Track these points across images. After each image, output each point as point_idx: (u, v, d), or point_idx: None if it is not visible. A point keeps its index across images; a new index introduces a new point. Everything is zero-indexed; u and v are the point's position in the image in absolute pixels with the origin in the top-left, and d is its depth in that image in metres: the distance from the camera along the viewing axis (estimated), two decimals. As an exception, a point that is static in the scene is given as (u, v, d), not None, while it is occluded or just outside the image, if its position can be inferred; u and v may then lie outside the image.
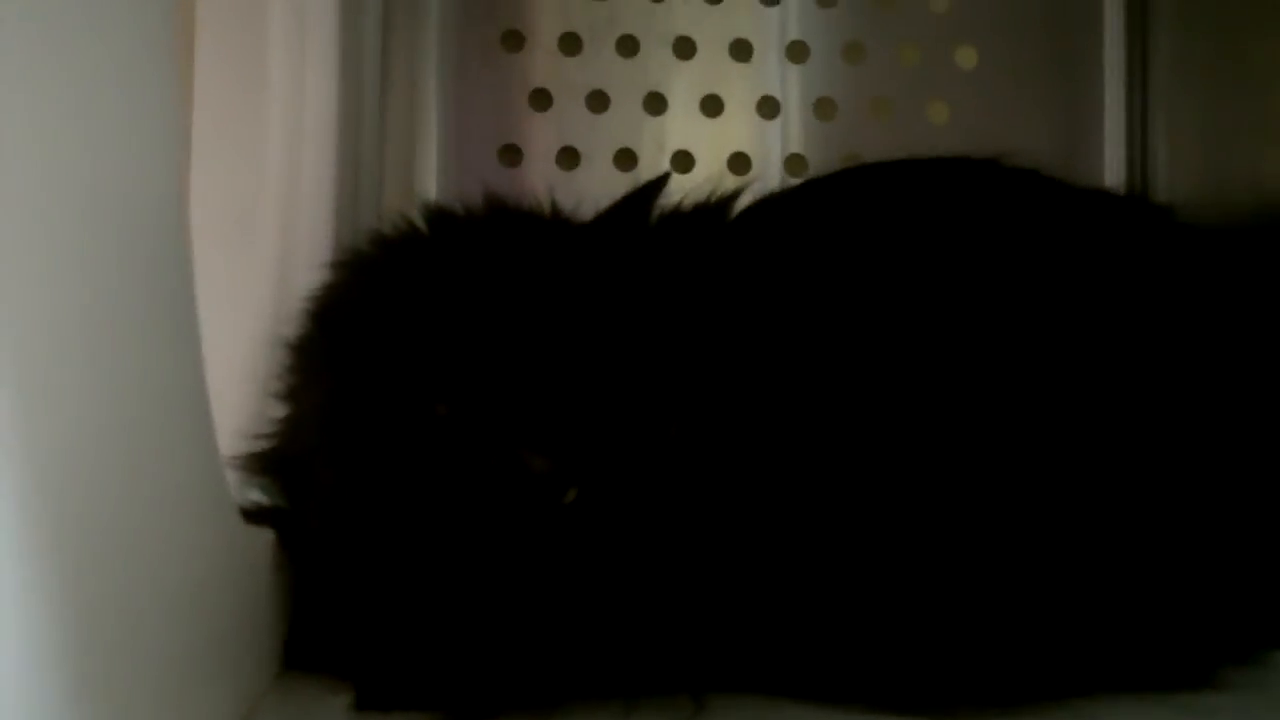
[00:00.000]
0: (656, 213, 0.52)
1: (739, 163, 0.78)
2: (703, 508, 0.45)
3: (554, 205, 0.51)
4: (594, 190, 0.55)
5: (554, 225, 0.51)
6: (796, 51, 0.78)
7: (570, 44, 0.77)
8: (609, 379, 0.45)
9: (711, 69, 0.78)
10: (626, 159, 0.77)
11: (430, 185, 0.75)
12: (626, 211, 0.51)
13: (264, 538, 0.45)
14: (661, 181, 0.51)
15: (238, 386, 0.54)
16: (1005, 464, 0.45)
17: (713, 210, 0.54)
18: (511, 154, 0.76)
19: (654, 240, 0.52)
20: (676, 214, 0.53)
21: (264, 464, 0.49)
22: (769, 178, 0.75)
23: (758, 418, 0.46)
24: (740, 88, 0.78)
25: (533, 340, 0.45)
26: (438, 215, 0.51)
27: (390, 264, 0.49)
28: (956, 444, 0.45)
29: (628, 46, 0.77)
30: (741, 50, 0.78)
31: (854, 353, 0.47)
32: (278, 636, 0.46)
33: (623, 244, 0.50)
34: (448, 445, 0.44)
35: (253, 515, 0.46)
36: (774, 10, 0.78)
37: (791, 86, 0.78)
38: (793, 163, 0.78)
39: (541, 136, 0.76)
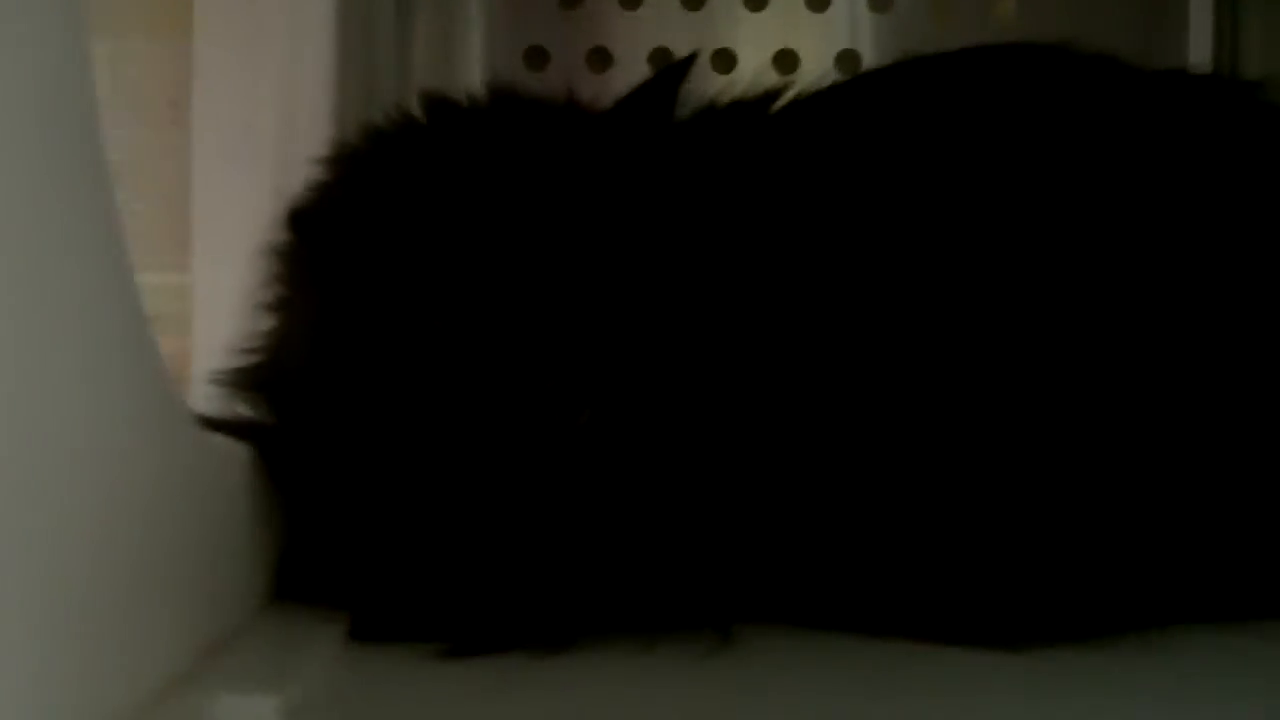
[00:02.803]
0: (690, 108, 0.48)
1: (786, 60, 0.71)
2: (725, 426, 0.41)
3: (569, 95, 0.47)
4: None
5: (566, 116, 0.46)
6: (848, -62, 0.72)
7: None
8: (623, 289, 0.41)
9: (755, -41, 0.72)
10: (661, 60, 0.71)
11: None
12: (647, 100, 0.46)
13: (234, 454, 0.41)
14: (684, 65, 0.46)
15: (233, 299, 0.50)
16: (1077, 375, 0.41)
17: (751, 106, 0.49)
18: (538, 56, 0.71)
19: (681, 134, 0.47)
20: (711, 110, 0.48)
21: (251, 379, 0.45)
22: (818, 77, 0.69)
23: (787, 327, 0.42)
24: (786, -21, 0.72)
25: (540, 247, 0.41)
26: (437, 104, 0.46)
27: (382, 159, 0.45)
28: (1022, 355, 0.41)
29: (664, -65, 0.71)
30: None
31: (908, 262, 0.42)
32: (261, 563, 0.43)
33: (644, 137, 0.45)
34: (446, 361, 0.40)
35: (233, 429, 0.43)
36: (824, -107, 0.71)
37: (843, -23, 0.72)
38: (845, 60, 0.71)
39: (570, 37, 0.71)
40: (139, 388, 0.31)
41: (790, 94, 0.49)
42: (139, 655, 0.32)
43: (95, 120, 0.27)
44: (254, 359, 0.46)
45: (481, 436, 0.40)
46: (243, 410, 0.45)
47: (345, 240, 0.42)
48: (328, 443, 0.42)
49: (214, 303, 0.52)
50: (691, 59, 0.46)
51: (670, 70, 0.46)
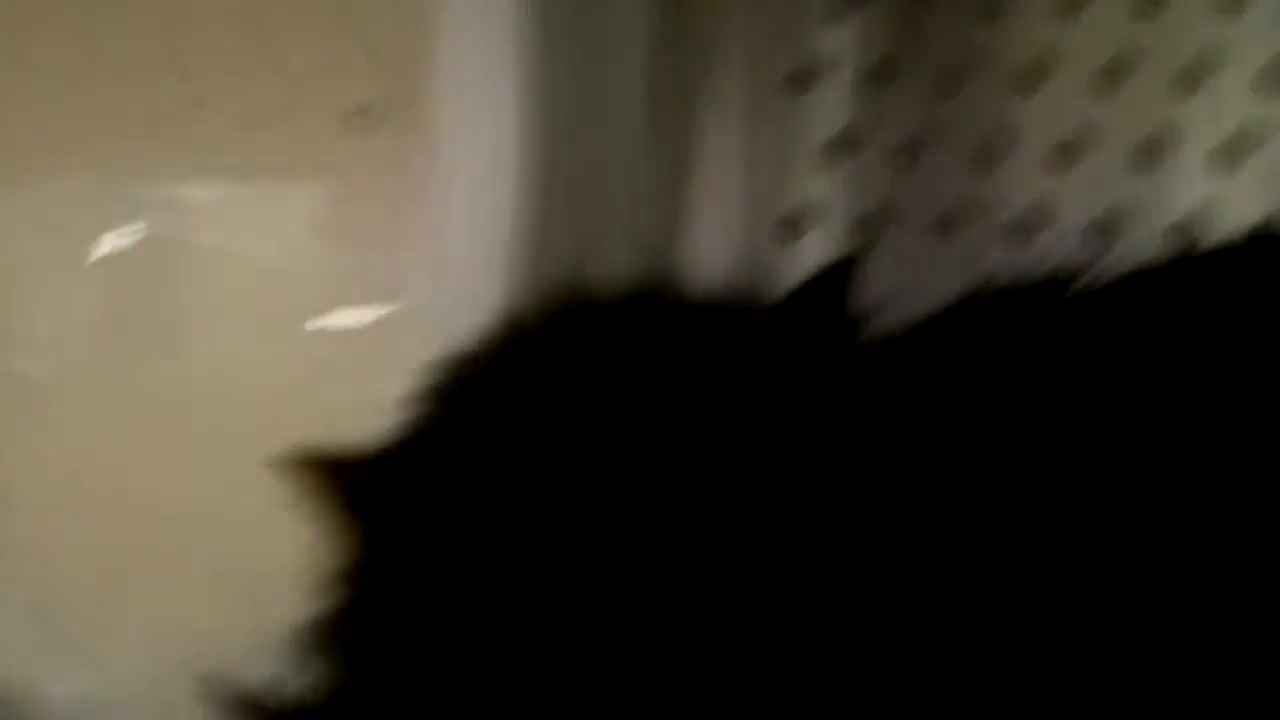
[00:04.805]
0: (970, 297, 0.38)
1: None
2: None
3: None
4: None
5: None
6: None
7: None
8: None
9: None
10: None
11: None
12: (804, 309, 0.37)
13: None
14: (849, 261, 0.38)
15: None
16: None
17: (1042, 291, 0.38)
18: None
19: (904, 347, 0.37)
20: (988, 299, 0.38)
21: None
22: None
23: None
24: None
25: None
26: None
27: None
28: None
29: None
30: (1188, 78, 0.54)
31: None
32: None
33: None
34: None
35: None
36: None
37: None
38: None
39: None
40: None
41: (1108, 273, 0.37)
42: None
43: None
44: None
45: None
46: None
47: None
48: None
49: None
50: (850, 260, 0.38)
51: (834, 269, 0.38)
